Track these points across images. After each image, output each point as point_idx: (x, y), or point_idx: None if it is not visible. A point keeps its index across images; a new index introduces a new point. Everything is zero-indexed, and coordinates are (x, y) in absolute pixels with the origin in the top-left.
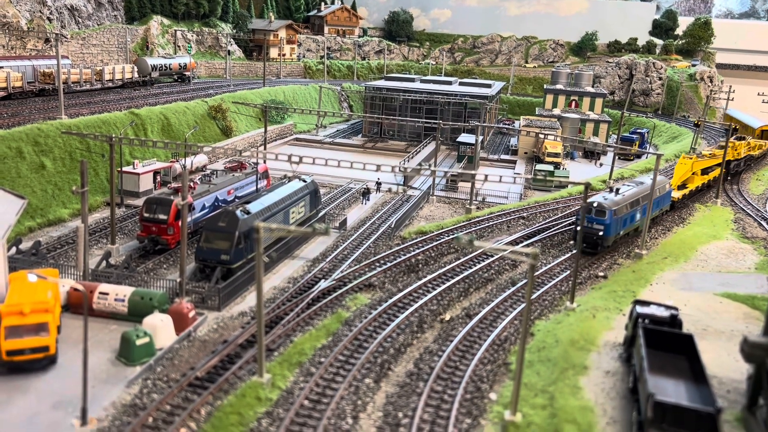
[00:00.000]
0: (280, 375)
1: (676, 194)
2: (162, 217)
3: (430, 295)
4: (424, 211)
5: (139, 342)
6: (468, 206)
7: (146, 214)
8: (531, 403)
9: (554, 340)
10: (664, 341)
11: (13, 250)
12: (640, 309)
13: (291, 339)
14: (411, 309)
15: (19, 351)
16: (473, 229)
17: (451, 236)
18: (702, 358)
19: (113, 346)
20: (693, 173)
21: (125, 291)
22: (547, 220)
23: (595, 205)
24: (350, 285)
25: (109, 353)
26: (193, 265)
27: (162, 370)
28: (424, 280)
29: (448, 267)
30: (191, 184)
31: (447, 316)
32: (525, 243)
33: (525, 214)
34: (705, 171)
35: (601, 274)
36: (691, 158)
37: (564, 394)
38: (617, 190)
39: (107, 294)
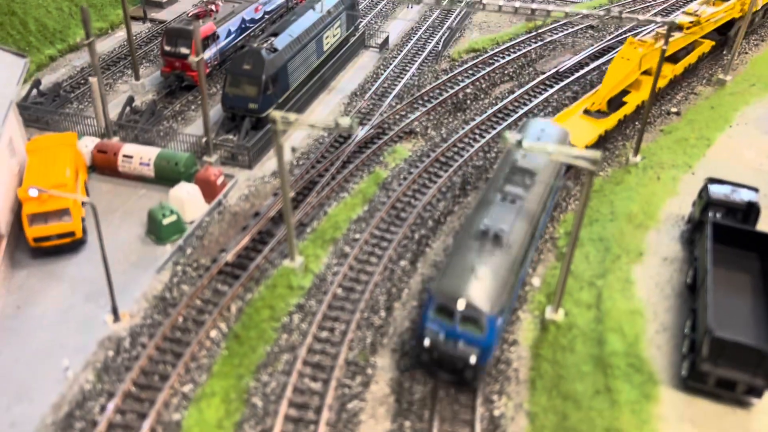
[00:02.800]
0: (314, 255)
1: None
2: (184, 51)
3: (476, 146)
4: (478, 17)
5: (166, 221)
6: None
7: (167, 48)
8: (576, 299)
9: (610, 210)
10: (735, 236)
11: (34, 92)
12: (713, 190)
13: (325, 210)
14: (454, 166)
15: (46, 237)
16: (532, 47)
17: (505, 58)
18: None
19: (143, 218)
20: None
21: (150, 154)
22: (621, 30)
23: None
24: (390, 134)
25: (139, 228)
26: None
27: (191, 253)
28: (471, 124)
29: (499, 105)
30: (213, 6)
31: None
32: (591, 66)
33: (595, 22)
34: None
35: (674, 110)
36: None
37: (613, 292)
38: None
39: (131, 157)
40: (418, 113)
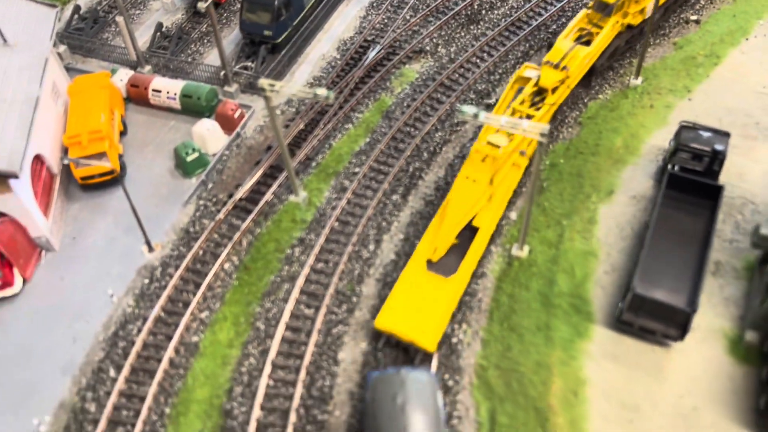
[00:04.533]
0: (317, 189)
1: None
2: None
3: (482, 66)
4: None
5: (189, 158)
6: None
7: None
8: (542, 237)
9: (595, 142)
10: (691, 186)
11: (75, 18)
12: (682, 135)
13: (330, 143)
14: (457, 91)
15: (90, 176)
16: None
17: None
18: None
19: (172, 151)
20: None
21: (175, 88)
22: None
23: None
24: (400, 55)
25: (169, 161)
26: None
27: (212, 188)
28: (481, 40)
29: (513, 16)
30: None
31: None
32: None
33: None
34: None
35: (693, 17)
36: None
37: (574, 233)
38: None
39: (160, 91)
40: (431, 27)
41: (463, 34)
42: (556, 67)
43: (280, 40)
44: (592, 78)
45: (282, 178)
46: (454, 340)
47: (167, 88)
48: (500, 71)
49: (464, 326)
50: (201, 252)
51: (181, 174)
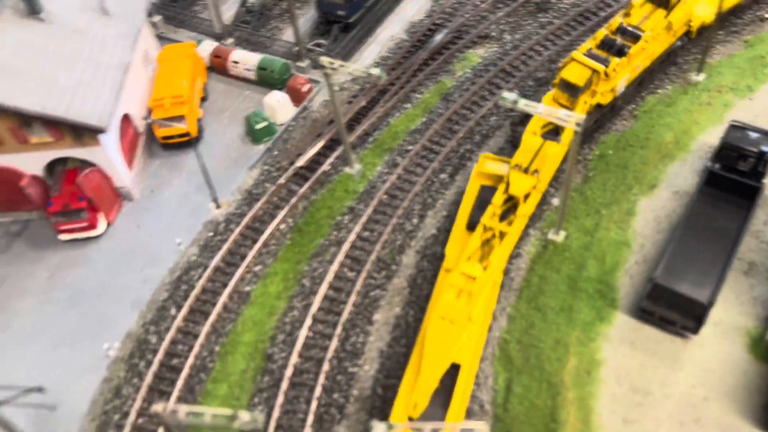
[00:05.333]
0: (371, 163)
1: None
2: None
3: (545, 54)
4: None
5: (258, 126)
6: None
7: None
8: (580, 224)
9: (646, 136)
10: (730, 185)
11: None
12: (730, 134)
13: (388, 121)
14: (516, 77)
15: (169, 137)
16: None
17: None
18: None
19: (245, 119)
20: None
21: (252, 60)
22: None
23: None
24: (465, 39)
25: (241, 128)
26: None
27: (277, 155)
28: (547, 29)
29: (582, 6)
30: None
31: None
32: None
33: None
34: None
35: None
36: None
37: (610, 222)
38: None
39: (238, 62)
40: (499, 14)
41: (530, 21)
42: (526, 171)
43: (352, 20)
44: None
45: (340, 150)
46: None
47: (245, 60)
48: (563, 60)
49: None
50: (261, 212)
51: (251, 140)
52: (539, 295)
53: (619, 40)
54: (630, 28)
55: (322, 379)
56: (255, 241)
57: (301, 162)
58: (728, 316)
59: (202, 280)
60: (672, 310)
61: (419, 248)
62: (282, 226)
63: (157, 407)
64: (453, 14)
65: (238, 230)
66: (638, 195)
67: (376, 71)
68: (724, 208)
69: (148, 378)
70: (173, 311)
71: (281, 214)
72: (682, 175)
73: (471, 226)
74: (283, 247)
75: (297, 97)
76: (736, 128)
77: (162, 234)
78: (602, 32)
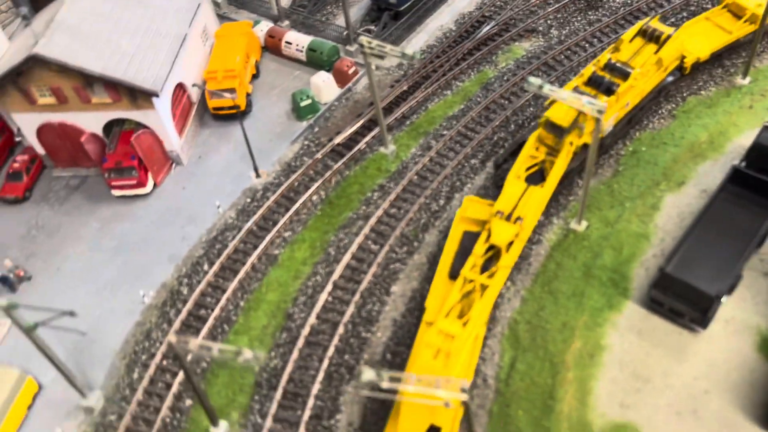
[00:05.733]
0: (405, 145)
1: None
2: None
3: (589, 51)
4: None
5: (303, 104)
6: None
7: None
8: (602, 215)
9: (681, 135)
10: (754, 183)
11: None
12: (763, 135)
13: (427, 106)
14: (558, 71)
15: (219, 108)
16: None
17: None
18: None
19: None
20: None
21: (304, 42)
22: None
23: None
24: (512, 32)
25: (287, 104)
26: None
27: (317, 131)
28: (595, 26)
29: (633, 5)
30: None
31: None
32: None
33: None
34: None
35: None
36: None
37: (633, 215)
38: None
39: (291, 43)
40: (549, 9)
41: (579, 18)
42: (508, 218)
43: (403, 8)
44: None
45: (376, 131)
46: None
47: (297, 41)
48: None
49: (509, 284)
50: (296, 183)
51: (295, 117)
52: (553, 280)
53: (607, 77)
54: (619, 65)
55: (336, 340)
56: (288, 210)
57: (338, 139)
58: (741, 314)
59: (235, 241)
60: (679, 301)
61: (442, 228)
62: (314, 198)
63: (171, 337)
64: (503, 7)
65: (273, 198)
66: (665, 191)
67: (409, 51)
68: (748, 207)
69: (176, 325)
70: (206, 267)
71: (315, 186)
72: (712, 174)
73: (453, 276)
74: (313, 217)
75: (342, 78)
76: None
77: (204, 197)
78: (590, 68)
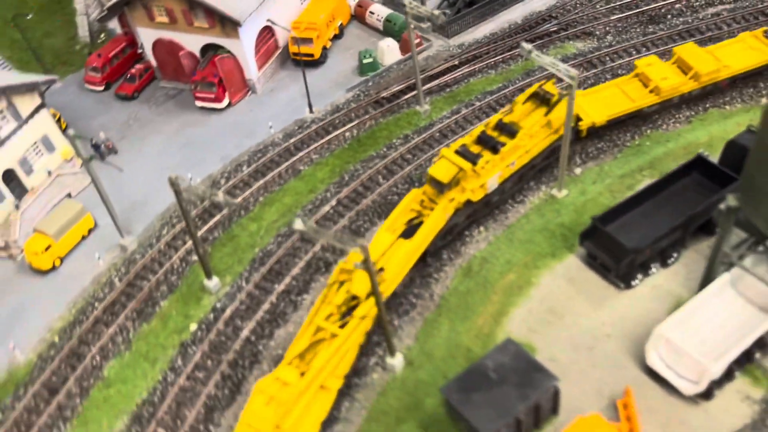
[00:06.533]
0: (439, 108)
1: None
2: None
3: (635, 55)
4: None
5: (365, 61)
6: None
7: None
8: (583, 188)
9: (685, 136)
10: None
11: None
12: (744, 136)
13: (469, 80)
14: (598, 69)
15: (296, 54)
16: None
17: None
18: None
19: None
20: None
21: (383, 13)
22: None
23: None
24: (569, 31)
25: (356, 63)
26: None
27: (370, 85)
28: (647, 37)
29: (696, 23)
30: None
31: None
32: None
33: None
34: None
35: None
36: None
37: (608, 191)
38: None
39: (374, 13)
40: (612, 17)
41: (637, 29)
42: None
43: None
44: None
45: (416, 92)
46: (467, 234)
47: (379, 12)
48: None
49: (481, 229)
50: (337, 121)
51: (358, 72)
52: (517, 230)
53: (495, 136)
54: (508, 125)
55: (321, 243)
56: (322, 138)
57: (384, 93)
58: (669, 284)
59: (271, 154)
60: (601, 250)
61: None
62: (347, 134)
63: (171, 175)
64: (570, 10)
65: (314, 128)
66: (645, 177)
67: (437, 12)
68: (697, 190)
69: (207, 203)
70: (245, 168)
71: (350, 125)
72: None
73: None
74: (340, 148)
75: (407, 48)
76: (752, 132)
77: (264, 120)
78: (480, 128)
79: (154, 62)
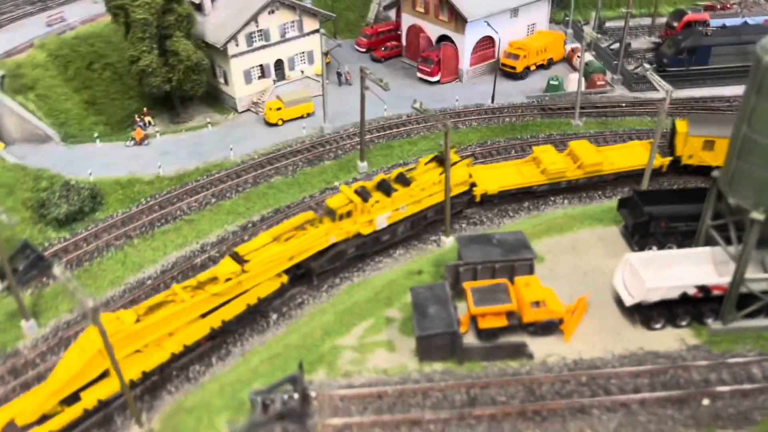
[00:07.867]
0: (588, 126)
1: None
2: (673, 23)
3: None
4: None
5: (551, 82)
6: None
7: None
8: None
9: None
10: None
11: None
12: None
13: (625, 117)
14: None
15: (504, 65)
16: None
17: None
18: None
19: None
20: None
21: (586, 59)
22: None
23: None
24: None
25: (544, 84)
26: None
27: (546, 100)
28: None
29: None
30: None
31: None
32: None
33: None
34: None
35: None
36: None
37: None
38: None
39: (580, 57)
40: None
41: None
42: (240, 260)
43: (670, 69)
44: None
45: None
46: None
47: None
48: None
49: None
50: (504, 110)
51: (543, 90)
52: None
53: (392, 184)
54: (405, 177)
55: None
56: (489, 116)
57: (551, 106)
58: None
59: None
60: (628, 214)
61: None
62: (506, 119)
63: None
64: None
65: (485, 108)
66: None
67: (640, 68)
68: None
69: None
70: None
71: (513, 114)
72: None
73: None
74: (496, 125)
75: (591, 85)
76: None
77: (454, 96)
78: (382, 176)
79: (404, 42)
